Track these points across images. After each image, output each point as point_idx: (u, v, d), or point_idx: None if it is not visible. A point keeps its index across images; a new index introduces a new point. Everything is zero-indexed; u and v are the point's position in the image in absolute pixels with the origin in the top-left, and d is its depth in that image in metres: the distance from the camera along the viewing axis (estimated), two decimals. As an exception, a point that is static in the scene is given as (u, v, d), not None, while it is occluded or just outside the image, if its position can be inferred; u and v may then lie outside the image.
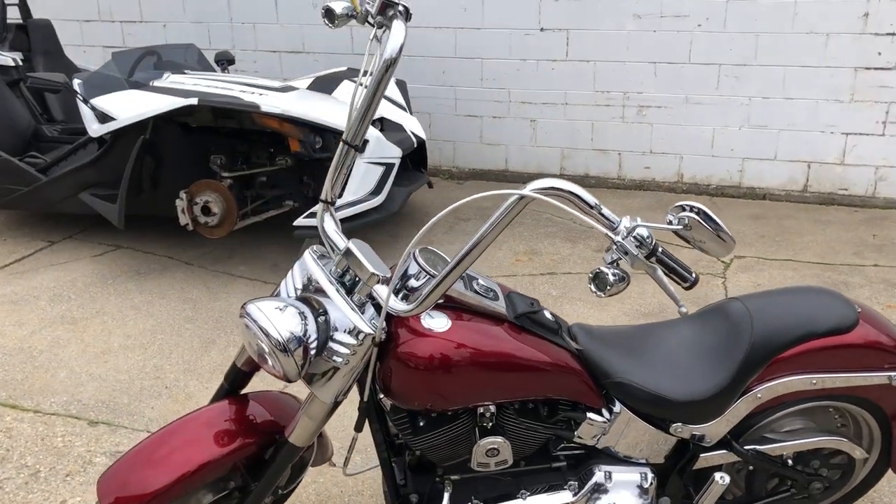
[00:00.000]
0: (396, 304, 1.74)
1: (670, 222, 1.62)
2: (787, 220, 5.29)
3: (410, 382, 1.81)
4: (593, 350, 1.96)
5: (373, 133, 4.34)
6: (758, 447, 2.14)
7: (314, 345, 1.72)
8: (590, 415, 2.00)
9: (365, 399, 1.87)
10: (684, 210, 1.56)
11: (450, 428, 1.98)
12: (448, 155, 6.23)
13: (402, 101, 5.13)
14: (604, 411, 2.01)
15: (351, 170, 4.15)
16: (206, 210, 4.21)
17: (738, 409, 2.05)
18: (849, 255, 4.66)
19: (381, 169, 4.37)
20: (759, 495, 2.24)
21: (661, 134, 5.71)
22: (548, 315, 1.98)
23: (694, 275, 1.62)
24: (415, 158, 4.94)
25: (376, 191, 4.36)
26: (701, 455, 2.11)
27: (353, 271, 1.79)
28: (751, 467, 2.19)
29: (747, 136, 5.55)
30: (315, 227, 3.94)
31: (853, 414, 2.24)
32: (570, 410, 2.01)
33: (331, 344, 1.74)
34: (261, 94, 4.19)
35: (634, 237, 1.56)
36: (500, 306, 1.91)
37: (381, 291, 1.77)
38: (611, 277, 1.52)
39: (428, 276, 1.80)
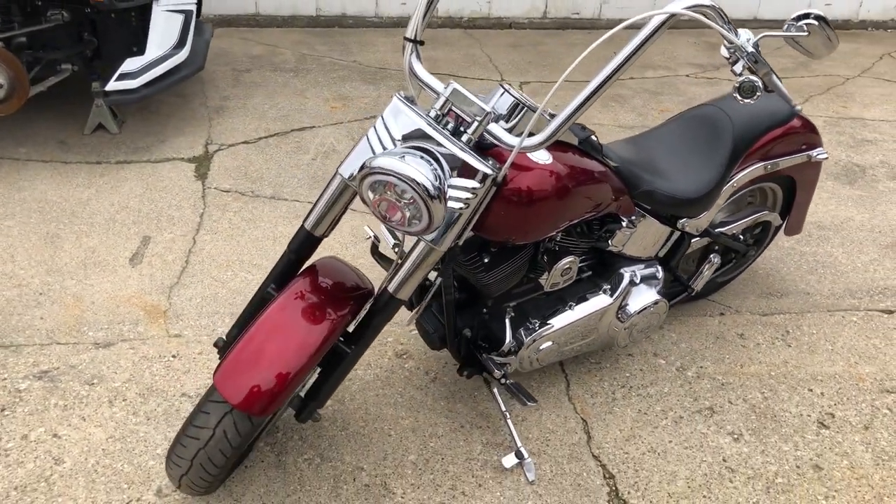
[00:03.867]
0: (515, 139, 1.66)
1: (787, 29, 1.79)
2: (540, 45, 5.77)
3: (515, 216, 1.83)
4: (622, 165, 2.13)
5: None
6: (720, 230, 2.54)
7: (448, 191, 1.65)
8: (623, 223, 2.20)
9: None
10: (803, 18, 1.74)
11: (515, 259, 2.06)
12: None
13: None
14: (633, 218, 2.22)
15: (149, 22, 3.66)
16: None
17: (720, 200, 2.40)
18: (582, 71, 5.27)
19: (180, 17, 3.89)
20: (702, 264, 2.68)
21: (414, -32, 5.74)
22: (594, 138, 2.10)
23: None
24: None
25: (180, 43, 3.89)
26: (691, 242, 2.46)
27: (458, 112, 1.72)
28: (716, 248, 2.60)
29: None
30: (130, 91, 3.48)
31: (765, 189, 2.73)
32: (610, 223, 2.19)
33: (450, 190, 1.67)
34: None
35: (755, 48, 1.73)
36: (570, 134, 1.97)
37: (494, 129, 1.73)
38: (755, 84, 1.69)
39: (525, 108, 1.78)
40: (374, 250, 2.33)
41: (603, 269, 2.34)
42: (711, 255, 2.54)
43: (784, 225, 2.85)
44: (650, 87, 5.04)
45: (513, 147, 1.67)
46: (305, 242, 1.89)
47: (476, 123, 1.69)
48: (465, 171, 1.67)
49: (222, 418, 1.70)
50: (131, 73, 3.62)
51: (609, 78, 1.53)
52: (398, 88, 4.72)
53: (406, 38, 1.77)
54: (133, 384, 2.38)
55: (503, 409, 2.21)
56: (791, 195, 2.75)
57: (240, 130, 4.08)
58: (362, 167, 1.63)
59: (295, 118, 4.27)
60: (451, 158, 1.66)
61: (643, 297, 2.33)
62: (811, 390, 2.52)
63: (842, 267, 3.22)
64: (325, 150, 3.93)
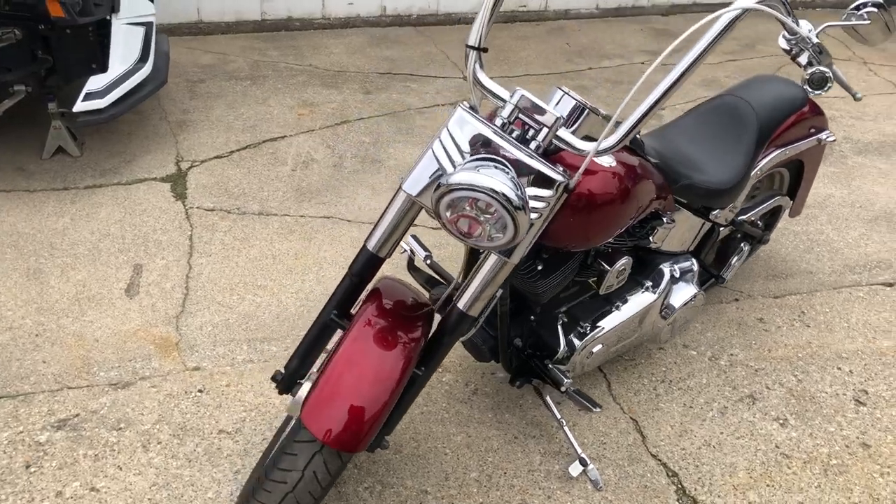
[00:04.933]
0: (589, 144, 1.61)
1: (847, 18, 1.79)
2: (492, 40, 5.73)
3: (582, 222, 1.80)
4: (660, 160, 2.11)
5: (124, -14, 3.60)
6: (740, 218, 2.57)
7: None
8: (665, 219, 2.19)
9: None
10: (863, 7, 1.75)
11: (568, 264, 2.02)
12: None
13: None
14: (673, 214, 2.22)
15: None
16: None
17: (746, 189, 2.42)
18: (564, 63, 5.30)
19: (141, 30, 3.69)
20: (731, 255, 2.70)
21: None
22: (637, 136, 2.07)
23: None
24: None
25: (143, 57, 3.70)
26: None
27: (525, 119, 1.66)
28: (738, 235, 2.62)
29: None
30: (98, 112, 3.29)
31: (775, 174, 2.78)
32: (652, 220, 2.18)
33: None
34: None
35: (819, 39, 1.73)
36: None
37: (563, 135, 1.68)
38: (826, 75, 1.69)
39: (587, 111, 1.73)
40: (411, 265, 2.25)
41: (642, 268, 2.33)
42: (742, 244, 2.56)
43: (790, 208, 2.90)
44: (610, 77, 5.08)
45: (583, 152, 1.62)
46: (368, 265, 1.80)
47: (546, 130, 1.63)
48: (536, 179, 1.61)
49: (311, 458, 1.61)
50: (98, 92, 3.41)
51: (679, 79, 1.47)
52: (360, 91, 4.62)
53: (469, 46, 1.69)
54: (164, 425, 2.24)
55: (559, 416, 2.17)
56: (797, 178, 2.80)
57: (209, 145, 3.91)
58: (438, 185, 1.55)
59: (263, 128, 4.12)
60: (521, 167, 1.60)
61: (684, 291, 2.33)
62: (840, 369, 2.57)
63: (835, 244, 3.30)
64: (303, 160, 3.81)
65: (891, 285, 3.03)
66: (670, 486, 2.12)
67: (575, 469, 2.08)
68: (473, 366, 2.47)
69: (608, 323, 2.19)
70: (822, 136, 2.63)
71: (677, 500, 2.08)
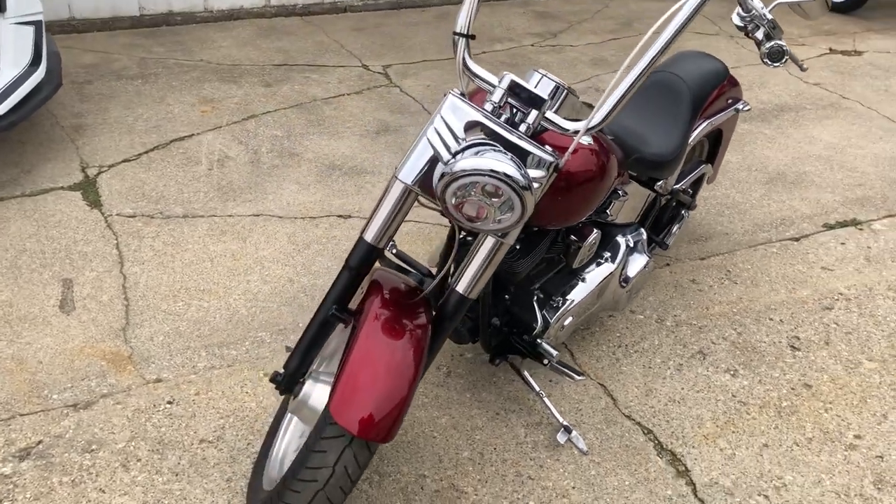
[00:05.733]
0: (575, 124, 1.65)
1: None
2: (382, 27, 5.74)
3: (566, 201, 1.88)
4: (613, 135, 2.20)
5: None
6: (676, 186, 2.74)
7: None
8: (620, 193, 2.32)
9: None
10: None
11: (543, 242, 2.11)
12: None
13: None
14: (626, 187, 2.34)
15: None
16: None
17: (683, 159, 2.59)
18: (434, 50, 5.36)
19: (31, 30, 3.46)
20: (671, 222, 2.87)
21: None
22: (594, 112, 2.16)
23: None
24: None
25: (36, 60, 3.47)
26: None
27: (513, 103, 1.72)
28: (674, 203, 2.79)
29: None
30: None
31: (696, 143, 2.96)
32: (611, 195, 2.29)
33: None
34: None
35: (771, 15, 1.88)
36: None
37: (552, 116, 1.74)
38: (783, 48, 1.84)
39: (567, 92, 1.80)
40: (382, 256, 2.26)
41: (600, 240, 2.43)
42: (682, 211, 2.72)
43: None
44: (504, 60, 5.20)
45: (570, 133, 1.68)
46: (367, 257, 1.80)
47: (535, 113, 1.68)
48: (527, 161, 1.66)
49: (342, 453, 1.60)
50: (-7, 100, 3.18)
51: (655, 58, 1.54)
52: (260, 84, 4.51)
53: (457, 34, 1.72)
54: (140, 441, 2.15)
55: (537, 389, 2.25)
56: (716, 147, 3.00)
57: (113, 149, 3.72)
58: (442, 174, 1.58)
59: (168, 128, 3.96)
60: (514, 150, 1.64)
61: (638, 260, 2.46)
62: (771, 319, 2.79)
63: (742, 206, 3.56)
64: (217, 158, 3.69)
65: (797, 240, 3.30)
66: (648, 443, 2.25)
67: (562, 437, 2.17)
68: (443, 349, 2.50)
69: (577, 295, 2.28)
70: (739, 105, 2.83)
71: (658, 455, 2.21)
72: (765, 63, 1.83)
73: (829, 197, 3.67)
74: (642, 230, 2.52)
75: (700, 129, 2.63)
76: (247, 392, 2.33)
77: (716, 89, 2.64)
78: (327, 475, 1.60)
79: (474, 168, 1.55)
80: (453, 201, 1.61)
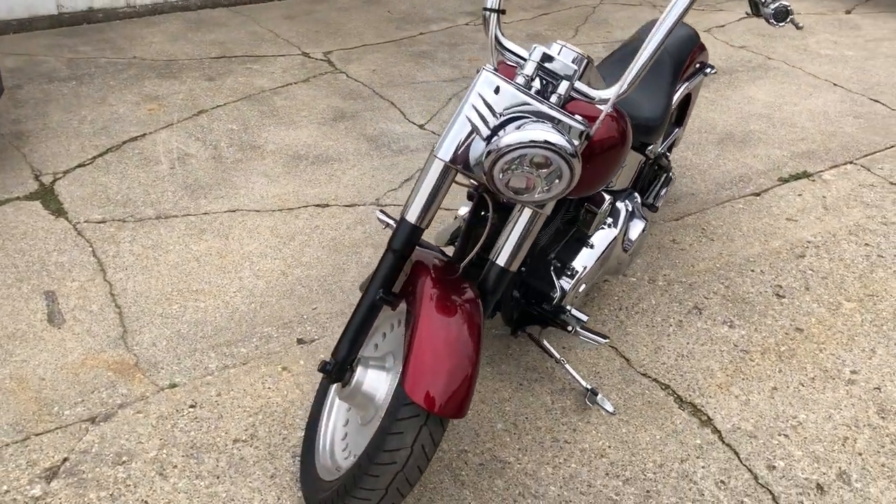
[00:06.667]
0: (601, 92, 1.72)
1: None
2: (313, 13, 5.66)
3: (593, 168, 1.93)
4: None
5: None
6: (659, 150, 2.84)
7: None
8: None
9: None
10: None
11: (561, 211, 2.17)
12: None
13: None
14: (624, 154, 2.41)
15: None
16: None
17: (667, 122, 2.68)
18: (395, 31, 5.36)
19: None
20: (659, 185, 2.98)
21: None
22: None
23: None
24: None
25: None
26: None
27: (542, 75, 1.75)
28: (656, 167, 2.89)
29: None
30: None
31: (669, 109, 3.07)
32: (613, 160, 2.35)
33: None
34: None
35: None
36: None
37: (580, 86, 1.78)
38: (787, 7, 1.93)
39: (588, 61, 1.85)
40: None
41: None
42: (669, 174, 2.82)
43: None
44: (444, 40, 5.21)
45: (599, 101, 1.73)
46: (410, 238, 1.80)
47: (566, 84, 1.72)
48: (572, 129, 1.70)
49: (419, 432, 1.61)
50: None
51: (670, 30, 1.62)
52: (203, 78, 4.39)
53: (488, 9, 1.74)
54: (172, 448, 2.09)
55: (558, 357, 2.31)
56: (684, 110, 3.11)
57: (64, 154, 3.56)
58: (489, 151, 1.60)
59: (117, 129, 3.81)
60: (549, 120, 1.67)
61: (637, 224, 2.53)
62: (753, 271, 2.93)
63: (700, 167, 3.71)
64: (177, 156, 3.59)
65: (758, 195, 3.47)
66: (669, 397, 2.34)
67: (591, 400, 2.23)
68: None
69: (588, 261, 2.34)
70: (707, 69, 2.94)
71: (679, 408, 2.30)
72: (770, 23, 1.92)
73: (777, 152, 3.85)
74: (636, 195, 2.59)
75: (679, 93, 2.72)
76: (269, 388, 2.30)
77: (691, 53, 2.73)
78: (406, 455, 1.61)
79: (522, 141, 1.58)
80: (501, 176, 1.63)
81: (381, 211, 2.26)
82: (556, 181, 1.64)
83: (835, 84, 4.71)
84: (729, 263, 2.96)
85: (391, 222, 2.22)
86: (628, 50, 2.71)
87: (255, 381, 2.32)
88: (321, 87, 4.39)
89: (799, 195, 3.46)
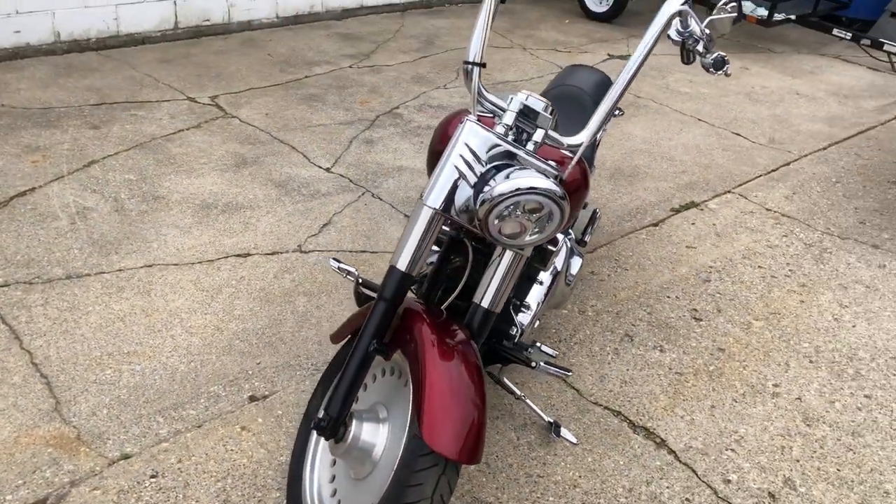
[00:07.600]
0: (571, 139, 1.85)
1: (719, 12, 2.21)
2: (190, 57, 5.51)
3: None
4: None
5: None
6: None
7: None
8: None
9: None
10: (730, 2, 2.19)
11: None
12: None
13: None
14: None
15: None
16: None
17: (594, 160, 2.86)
18: (279, 74, 5.32)
19: None
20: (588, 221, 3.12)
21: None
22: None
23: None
24: None
25: None
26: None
27: (519, 124, 1.86)
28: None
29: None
30: None
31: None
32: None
33: None
34: None
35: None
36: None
37: (553, 133, 1.90)
38: (724, 57, 2.12)
39: (552, 109, 1.96)
40: (358, 286, 2.26)
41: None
42: (595, 210, 2.97)
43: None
44: (331, 83, 5.23)
45: (567, 146, 1.86)
46: (401, 286, 1.82)
47: (541, 131, 1.83)
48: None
49: (438, 481, 1.62)
50: None
51: (631, 78, 1.80)
52: (86, 126, 4.18)
53: (469, 63, 1.81)
54: (141, 524, 1.97)
55: (518, 393, 2.38)
56: (593, 149, 3.30)
57: (-57, 213, 3.28)
58: (482, 201, 1.67)
59: (0, 183, 3.55)
60: (530, 166, 1.78)
61: (576, 260, 2.66)
62: (668, 297, 3.14)
63: (600, 201, 3.93)
64: (75, 210, 3.39)
65: (656, 225, 3.72)
66: (623, 423, 2.46)
67: (555, 433, 2.31)
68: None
69: (538, 297, 2.43)
70: (616, 111, 3.14)
71: (634, 433, 2.43)
72: (709, 71, 2.09)
73: (664, 185, 4.14)
74: (571, 231, 2.72)
75: (599, 134, 2.89)
76: (231, 450, 2.22)
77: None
78: (426, 507, 1.61)
79: (517, 189, 1.65)
80: (496, 222, 1.70)
81: (336, 259, 2.26)
82: (548, 223, 1.73)
83: (699, 119, 5.12)
84: (647, 291, 3.15)
85: (352, 270, 2.22)
86: (551, 97, 2.85)
87: (215, 444, 2.23)
88: (215, 132, 4.28)
89: (692, 224, 3.74)
